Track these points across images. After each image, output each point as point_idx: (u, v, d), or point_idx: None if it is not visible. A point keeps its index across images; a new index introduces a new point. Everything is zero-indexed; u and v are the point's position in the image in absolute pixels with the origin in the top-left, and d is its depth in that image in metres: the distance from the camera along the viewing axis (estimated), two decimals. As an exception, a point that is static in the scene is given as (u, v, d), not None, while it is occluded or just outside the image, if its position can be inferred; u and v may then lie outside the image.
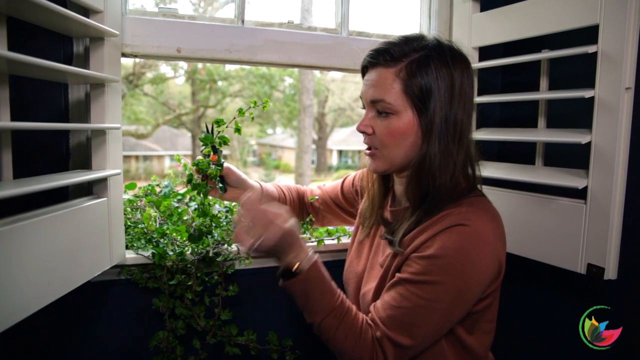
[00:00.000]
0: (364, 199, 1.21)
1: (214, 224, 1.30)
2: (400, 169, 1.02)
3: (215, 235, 1.31)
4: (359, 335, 0.92)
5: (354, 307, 0.97)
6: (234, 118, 1.20)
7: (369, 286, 1.05)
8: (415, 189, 0.99)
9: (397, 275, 0.94)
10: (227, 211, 1.33)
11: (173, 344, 1.25)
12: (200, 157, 1.18)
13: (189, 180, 1.17)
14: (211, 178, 1.17)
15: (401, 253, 0.96)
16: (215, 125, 1.19)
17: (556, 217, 1.21)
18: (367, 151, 1.03)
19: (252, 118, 1.23)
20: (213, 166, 1.16)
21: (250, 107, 1.21)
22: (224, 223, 1.37)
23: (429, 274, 0.89)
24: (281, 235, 0.91)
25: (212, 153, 1.17)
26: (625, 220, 1.10)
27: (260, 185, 1.29)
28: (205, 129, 1.20)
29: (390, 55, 0.95)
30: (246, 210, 0.93)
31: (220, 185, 1.19)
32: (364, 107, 1.04)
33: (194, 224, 1.28)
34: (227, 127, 1.19)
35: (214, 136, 1.18)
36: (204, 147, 1.18)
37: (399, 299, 0.91)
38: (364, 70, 1.04)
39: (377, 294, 1.00)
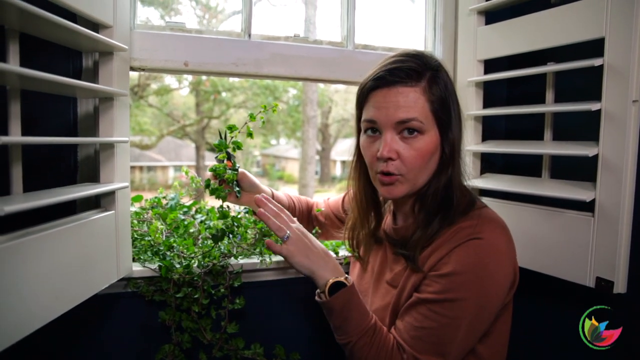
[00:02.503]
0: (350, 222, 1.17)
1: (235, 223, 1.31)
2: (418, 189, 1.00)
3: (237, 234, 1.33)
4: (390, 356, 0.92)
5: (384, 328, 0.97)
6: (246, 123, 1.23)
7: (378, 304, 1.04)
8: (433, 204, 0.97)
9: (416, 295, 0.94)
10: (246, 212, 1.34)
11: (179, 358, 1.24)
12: (215, 163, 1.21)
13: (207, 186, 1.19)
14: (228, 182, 1.19)
15: (419, 270, 0.95)
16: (228, 131, 1.21)
17: (564, 230, 1.21)
18: (386, 177, 0.95)
19: (263, 122, 1.25)
20: (229, 171, 1.18)
21: (260, 112, 1.23)
22: (244, 222, 1.39)
23: (449, 291, 0.89)
24: (324, 252, 1.02)
25: (226, 159, 1.19)
26: (634, 232, 1.09)
27: (272, 193, 1.30)
28: (218, 136, 1.23)
29: (412, 70, 0.92)
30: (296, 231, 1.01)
31: (237, 189, 1.22)
32: (372, 131, 0.97)
33: (211, 224, 1.30)
34: (239, 132, 1.22)
35: (227, 142, 1.20)
36: (218, 153, 1.20)
37: (422, 319, 0.91)
38: (369, 92, 0.96)
39: (393, 314, 0.99)
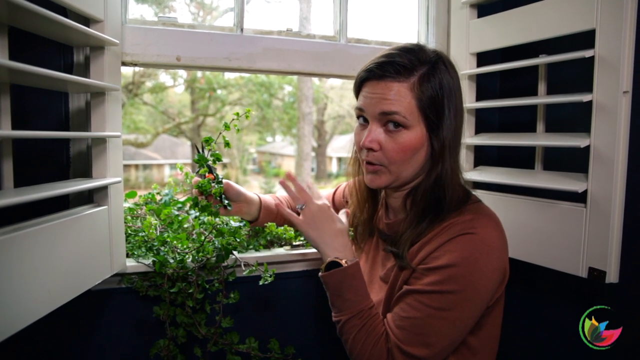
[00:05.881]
0: (351, 213, 1.19)
1: (237, 239, 1.29)
2: (404, 183, 1.01)
3: (238, 249, 1.33)
4: (377, 341, 0.93)
5: (380, 317, 0.98)
6: (220, 133, 1.21)
7: (373, 300, 1.04)
8: (423, 202, 0.98)
9: (405, 287, 0.95)
10: (244, 225, 1.33)
11: (174, 352, 1.24)
12: (197, 178, 1.20)
13: (195, 204, 1.17)
14: (216, 197, 1.17)
15: (408, 266, 0.96)
16: (205, 144, 1.20)
17: (556, 221, 1.21)
18: (370, 166, 0.99)
19: (238, 130, 1.23)
20: (215, 185, 1.17)
21: (233, 120, 1.22)
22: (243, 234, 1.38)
23: (437, 284, 0.89)
24: (337, 231, 1.04)
25: (208, 172, 1.18)
26: (625, 223, 1.10)
27: (259, 197, 1.30)
28: (197, 150, 1.22)
29: (402, 67, 0.92)
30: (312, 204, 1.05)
31: (227, 202, 1.20)
32: (363, 120, 1.00)
33: (216, 242, 1.28)
34: (215, 143, 1.21)
35: (206, 155, 1.19)
36: (199, 168, 1.19)
37: (408, 309, 0.92)
38: (362, 83, 0.99)
39: (386, 310, 1.00)
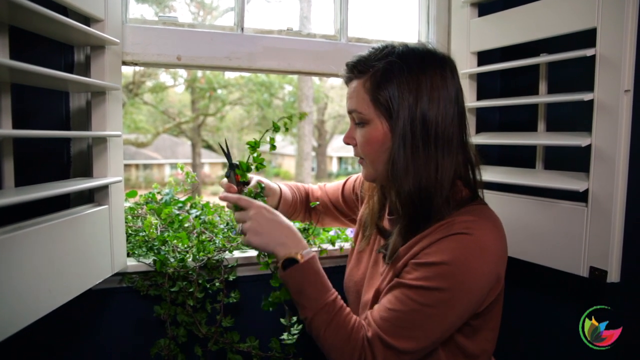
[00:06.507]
0: (363, 205, 1.20)
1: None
2: (385, 178, 1.00)
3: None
4: (350, 334, 0.91)
5: (347, 307, 0.96)
6: (264, 133, 1.12)
7: (369, 295, 1.04)
8: (395, 197, 0.97)
9: (395, 279, 0.94)
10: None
11: (174, 352, 1.24)
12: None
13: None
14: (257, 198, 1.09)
15: (394, 266, 0.96)
16: (250, 150, 1.11)
17: (557, 220, 1.21)
18: (359, 160, 1.05)
19: (287, 129, 1.16)
20: (256, 190, 1.11)
21: (281, 119, 1.15)
22: None
23: (426, 280, 0.88)
24: (285, 228, 1.01)
25: (233, 173, 1.10)
26: (627, 222, 1.10)
27: (279, 188, 1.26)
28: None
29: (357, 68, 0.98)
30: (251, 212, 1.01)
31: (266, 203, 1.09)
32: None
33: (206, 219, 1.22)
34: (259, 146, 1.12)
35: (248, 160, 1.11)
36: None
37: (394, 301, 0.91)
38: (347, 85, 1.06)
39: (374, 303, 0.99)
